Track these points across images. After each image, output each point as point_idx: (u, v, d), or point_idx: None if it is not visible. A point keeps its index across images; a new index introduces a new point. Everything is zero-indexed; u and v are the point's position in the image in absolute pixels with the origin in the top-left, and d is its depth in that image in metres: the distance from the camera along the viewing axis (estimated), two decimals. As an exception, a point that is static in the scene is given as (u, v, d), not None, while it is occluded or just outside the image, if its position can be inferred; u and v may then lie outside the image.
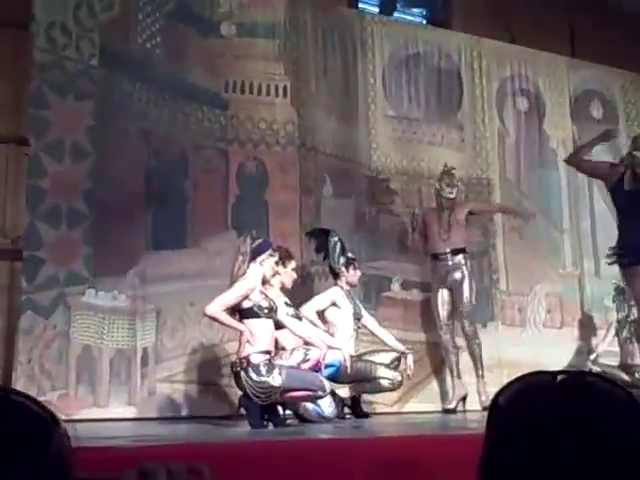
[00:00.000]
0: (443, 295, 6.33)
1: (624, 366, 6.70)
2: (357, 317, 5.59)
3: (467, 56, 7.49)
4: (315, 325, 5.24)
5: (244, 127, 6.31)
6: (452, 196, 6.42)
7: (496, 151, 7.51)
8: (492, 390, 6.24)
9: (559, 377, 0.98)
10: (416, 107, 7.18)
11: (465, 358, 6.42)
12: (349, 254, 5.60)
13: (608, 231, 7.65)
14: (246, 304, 4.46)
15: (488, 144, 7.48)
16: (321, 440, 3.82)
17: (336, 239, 5.55)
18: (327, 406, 4.85)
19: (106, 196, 5.62)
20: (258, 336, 4.40)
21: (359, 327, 5.61)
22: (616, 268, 6.64)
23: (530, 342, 7.12)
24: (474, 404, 6.26)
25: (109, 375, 5.48)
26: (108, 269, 5.55)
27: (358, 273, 5.64)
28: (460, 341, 6.43)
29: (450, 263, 6.30)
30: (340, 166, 6.65)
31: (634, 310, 6.55)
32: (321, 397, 4.57)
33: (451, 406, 6.26)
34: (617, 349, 6.91)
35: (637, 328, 6.45)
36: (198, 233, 5.96)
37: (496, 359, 6.70)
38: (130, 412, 5.48)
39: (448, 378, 6.56)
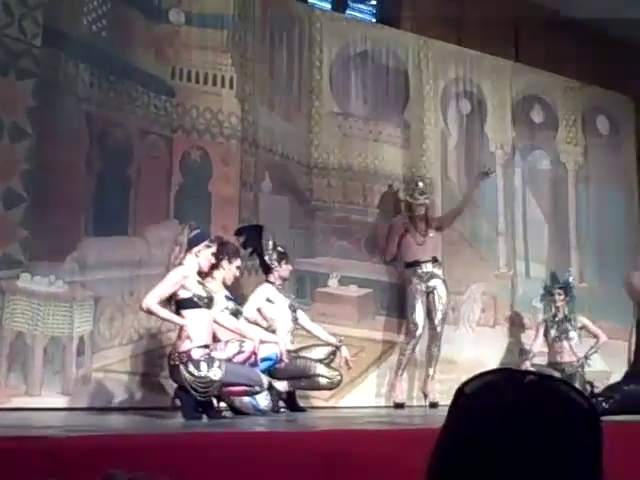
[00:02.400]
0: (422, 301, 6.54)
1: (553, 364, 6.86)
2: (293, 310, 5.60)
3: (415, 56, 7.54)
4: (258, 324, 5.25)
5: (189, 115, 6.24)
6: (427, 201, 6.69)
7: (439, 151, 7.56)
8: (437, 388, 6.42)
9: (528, 378, 0.99)
10: (362, 104, 7.19)
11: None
12: (279, 248, 5.60)
13: (539, 235, 7.93)
14: (184, 294, 4.41)
15: (432, 144, 7.54)
16: (255, 433, 3.80)
17: (269, 235, 5.58)
18: (263, 399, 4.85)
19: (45, 178, 5.49)
20: (198, 329, 4.36)
21: (296, 319, 5.61)
22: (544, 270, 6.93)
23: (464, 340, 7.24)
24: (415, 401, 6.58)
25: (42, 363, 5.36)
26: (45, 253, 5.43)
27: (289, 267, 5.67)
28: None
29: (429, 270, 6.57)
30: (280, 162, 6.62)
31: (559, 310, 6.89)
32: (258, 392, 4.58)
33: (401, 400, 6.48)
34: (545, 349, 7.08)
35: (565, 327, 6.78)
36: (140, 221, 5.88)
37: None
38: (63, 401, 5.37)
39: (387, 374, 6.72)
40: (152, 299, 4.34)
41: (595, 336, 6.96)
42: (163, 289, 4.39)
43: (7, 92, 5.44)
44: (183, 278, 4.39)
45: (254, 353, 4.51)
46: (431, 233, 6.66)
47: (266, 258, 5.55)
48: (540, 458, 0.93)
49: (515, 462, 0.93)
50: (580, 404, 0.98)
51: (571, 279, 7.29)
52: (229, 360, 4.41)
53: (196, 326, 4.37)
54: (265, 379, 4.58)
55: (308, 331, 5.69)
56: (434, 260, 6.66)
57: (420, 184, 6.78)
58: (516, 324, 7.67)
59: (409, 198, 6.73)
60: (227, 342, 4.57)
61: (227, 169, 6.33)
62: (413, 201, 6.67)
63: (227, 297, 5.06)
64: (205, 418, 4.40)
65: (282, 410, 5.35)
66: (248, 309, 5.38)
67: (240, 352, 4.49)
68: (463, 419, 0.98)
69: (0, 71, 5.42)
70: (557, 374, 6.43)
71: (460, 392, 1.01)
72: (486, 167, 7.05)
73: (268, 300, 5.53)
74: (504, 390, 0.97)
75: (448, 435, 0.98)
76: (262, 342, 4.69)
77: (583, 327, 7.04)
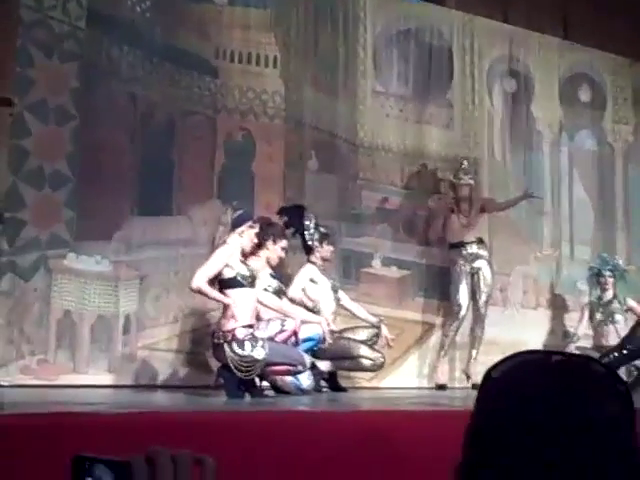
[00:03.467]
0: (466, 282, 6.53)
1: (598, 347, 6.78)
2: (335, 290, 5.60)
3: (459, 34, 7.43)
4: (304, 305, 5.28)
5: (232, 96, 6.25)
6: (471, 182, 6.64)
7: (485, 131, 7.48)
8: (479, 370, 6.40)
9: (555, 357, 0.98)
10: (405, 84, 7.13)
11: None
12: (322, 229, 5.59)
13: (585, 216, 7.80)
14: (228, 273, 4.45)
15: (477, 124, 7.45)
16: (297, 412, 3.82)
17: (311, 215, 5.55)
18: (305, 379, 4.86)
19: (90, 159, 5.56)
20: (242, 308, 4.39)
21: (338, 299, 5.62)
22: (589, 252, 6.83)
23: (507, 322, 7.18)
24: (457, 382, 6.60)
25: (89, 341, 5.44)
26: (91, 233, 5.50)
27: (331, 248, 5.64)
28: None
29: (474, 251, 6.54)
30: (326, 141, 6.61)
31: (607, 293, 6.81)
32: (301, 372, 4.60)
33: (443, 382, 6.47)
34: (590, 332, 7.00)
35: (611, 310, 6.73)
36: (184, 200, 5.92)
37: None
38: (110, 379, 5.45)
39: (428, 355, 6.72)
40: (201, 278, 4.38)
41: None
42: (210, 268, 4.42)
43: (52, 74, 5.50)
44: (228, 257, 4.40)
45: (295, 332, 4.52)
46: (475, 214, 6.61)
47: (307, 238, 5.51)
48: (572, 439, 0.91)
49: (546, 444, 0.91)
50: (611, 381, 0.97)
51: (620, 261, 7.19)
52: (271, 339, 4.43)
53: (240, 305, 4.40)
54: (308, 359, 4.61)
55: (349, 310, 5.69)
56: (479, 241, 6.62)
57: (464, 163, 6.74)
58: (559, 307, 7.59)
59: (453, 178, 6.69)
60: (269, 320, 4.61)
61: (271, 148, 6.34)
62: (457, 181, 6.64)
63: (272, 275, 5.09)
64: (248, 397, 4.43)
65: (324, 390, 5.35)
66: (293, 290, 5.40)
67: (282, 331, 4.51)
68: (491, 403, 0.97)
69: (45, 53, 5.48)
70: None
71: (487, 376, 1.00)
72: (530, 190, 6.96)
73: (311, 280, 5.53)
74: (531, 371, 0.96)
75: (477, 420, 0.97)
76: (305, 322, 4.70)
77: (630, 309, 6.91)
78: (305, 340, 4.68)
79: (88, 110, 5.59)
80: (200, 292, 4.47)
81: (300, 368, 4.56)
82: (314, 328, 4.82)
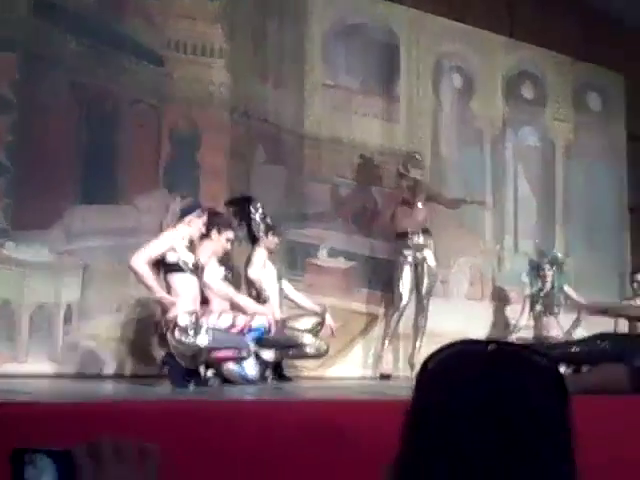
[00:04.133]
0: (410, 272, 6.54)
1: (539, 338, 6.88)
2: (279, 279, 5.63)
3: (407, 30, 7.48)
4: (261, 287, 5.34)
5: (179, 86, 6.19)
6: (419, 177, 6.65)
7: (429, 126, 7.53)
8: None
9: (490, 346, 0.97)
10: (353, 78, 7.15)
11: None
12: (268, 220, 5.59)
13: (528, 211, 7.95)
14: (172, 257, 4.41)
15: (422, 118, 7.51)
16: (242, 402, 3.79)
17: (258, 205, 5.52)
18: (251, 368, 4.85)
19: (31, 148, 5.50)
20: (183, 294, 4.35)
21: (281, 289, 5.65)
22: (532, 246, 6.94)
23: (451, 313, 7.21)
24: (401, 372, 6.66)
25: (29, 330, 5.37)
26: (30, 222, 5.42)
27: (276, 240, 5.65)
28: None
29: (420, 242, 6.55)
30: (273, 133, 6.59)
31: (546, 285, 6.90)
32: (244, 358, 4.59)
33: (387, 372, 6.53)
34: (532, 323, 7.10)
35: (549, 301, 6.83)
36: (129, 189, 5.87)
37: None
38: (51, 368, 5.39)
39: (373, 345, 6.78)
40: (140, 258, 4.33)
41: (578, 307, 6.93)
42: (152, 249, 4.39)
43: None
44: (173, 240, 4.35)
45: (245, 327, 4.52)
46: (420, 204, 6.63)
47: (253, 228, 5.52)
48: (510, 427, 0.90)
49: (483, 434, 0.90)
50: (545, 367, 0.97)
51: (559, 254, 7.31)
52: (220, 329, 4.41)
53: (181, 290, 4.35)
54: (252, 345, 4.57)
55: (292, 301, 5.70)
56: (424, 231, 6.65)
57: (416, 156, 6.79)
58: (502, 298, 7.70)
59: (402, 169, 6.69)
60: (221, 313, 4.57)
61: (216, 139, 6.30)
62: (406, 173, 6.65)
63: (220, 263, 5.07)
64: (193, 386, 4.40)
65: (270, 379, 5.35)
66: (253, 270, 5.40)
67: (232, 326, 4.49)
68: (426, 394, 0.96)
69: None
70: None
71: (424, 366, 0.99)
72: (471, 199, 7.00)
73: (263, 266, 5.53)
74: (466, 361, 0.96)
75: (413, 411, 0.96)
76: (253, 314, 4.69)
77: (568, 298, 7.03)
78: (250, 330, 4.65)
79: (29, 100, 5.51)
80: (135, 273, 4.39)
81: (244, 354, 4.55)
82: (260, 319, 4.80)
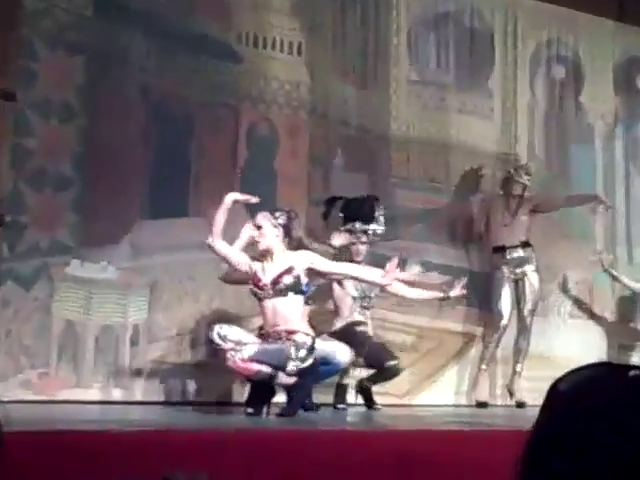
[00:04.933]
0: (509, 289, 6.54)
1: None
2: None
3: (501, 16, 7.36)
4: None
5: (256, 84, 6.21)
6: (528, 183, 6.63)
7: (525, 123, 7.40)
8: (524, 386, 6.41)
9: (632, 372, 0.95)
10: (443, 72, 7.06)
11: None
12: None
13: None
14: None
15: (518, 116, 7.37)
16: (327, 431, 3.79)
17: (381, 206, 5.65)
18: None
19: (98, 159, 5.59)
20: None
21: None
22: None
23: (555, 334, 7.10)
24: (499, 400, 6.61)
25: (94, 353, 5.47)
26: (96, 238, 5.52)
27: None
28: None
29: (519, 255, 6.54)
30: (354, 135, 6.59)
31: None
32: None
33: (484, 399, 6.48)
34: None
35: None
36: (201, 201, 5.88)
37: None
38: (117, 395, 5.48)
39: (468, 369, 6.71)
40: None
41: None
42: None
43: (56, 68, 5.51)
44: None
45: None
46: (523, 215, 6.57)
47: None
48: None
49: (624, 467, 0.89)
50: None
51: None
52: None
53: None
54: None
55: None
56: (525, 244, 6.57)
57: (528, 165, 6.80)
58: (616, 316, 7.48)
59: (514, 173, 6.64)
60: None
61: (294, 143, 6.32)
62: (518, 178, 6.60)
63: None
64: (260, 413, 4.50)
65: (357, 406, 5.46)
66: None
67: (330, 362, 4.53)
68: (557, 420, 0.95)
69: (50, 44, 5.49)
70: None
71: (553, 389, 0.98)
72: (607, 203, 7.04)
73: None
74: (604, 386, 0.95)
75: (540, 438, 0.95)
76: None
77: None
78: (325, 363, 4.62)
79: (95, 106, 5.62)
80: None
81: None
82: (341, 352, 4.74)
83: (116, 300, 5.55)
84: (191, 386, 5.72)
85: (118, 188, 5.61)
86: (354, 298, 5.62)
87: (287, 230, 4.62)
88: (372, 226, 5.50)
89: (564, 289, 7.32)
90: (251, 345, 4.36)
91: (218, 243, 4.47)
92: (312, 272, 4.60)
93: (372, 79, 6.77)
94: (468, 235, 6.89)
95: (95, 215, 5.51)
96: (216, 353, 4.52)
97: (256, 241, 4.56)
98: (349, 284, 5.53)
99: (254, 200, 4.57)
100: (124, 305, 5.56)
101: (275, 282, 4.47)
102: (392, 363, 5.45)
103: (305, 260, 4.53)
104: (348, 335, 5.20)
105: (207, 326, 5.55)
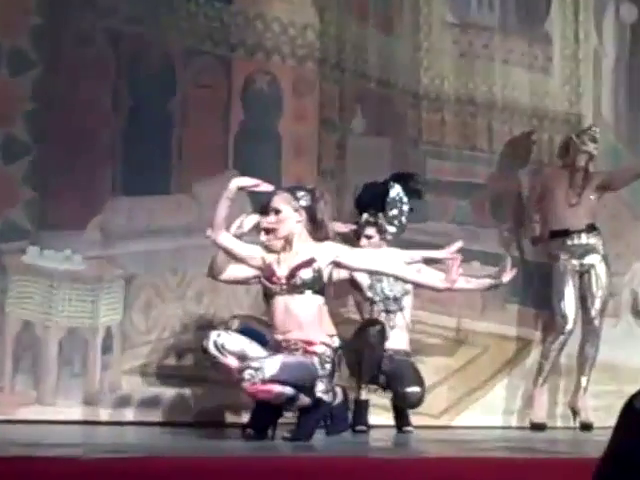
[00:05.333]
0: (573, 284, 6.53)
1: None
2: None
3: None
4: None
5: (253, 28, 6.22)
6: (594, 152, 6.61)
7: (591, 77, 7.41)
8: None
9: None
10: (487, 12, 7.03)
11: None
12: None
13: None
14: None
15: (581, 67, 7.38)
16: (354, 459, 3.80)
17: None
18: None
19: (57, 120, 5.65)
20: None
21: None
22: None
23: (628, 339, 7.09)
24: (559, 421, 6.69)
25: (57, 363, 5.50)
26: (58, 220, 5.58)
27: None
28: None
29: (585, 242, 6.54)
30: (376, 92, 6.62)
31: None
32: None
33: (541, 420, 6.46)
34: None
35: None
36: (187, 174, 5.96)
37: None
38: (85, 413, 5.52)
39: (522, 383, 6.71)
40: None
41: None
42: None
43: (5, 7, 5.54)
44: None
45: None
46: (590, 192, 6.56)
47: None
48: None
49: None
50: None
51: None
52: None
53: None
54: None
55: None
56: (590, 228, 6.55)
57: (594, 129, 6.71)
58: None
59: (576, 140, 6.60)
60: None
61: (300, 103, 6.34)
62: (582, 146, 6.56)
63: None
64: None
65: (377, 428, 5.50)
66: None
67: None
68: (635, 442, 0.99)
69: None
70: None
71: (629, 407, 1.02)
72: None
73: None
74: None
75: (616, 461, 0.99)
76: None
77: None
78: None
79: (55, 55, 5.67)
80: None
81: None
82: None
83: (84, 297, 5.59)
84: (176, 403, 5.75)
85: (84, 158, 5.66)
86: (371, 301, 5.61)
87: (311, 214, 4.54)
88: (380, 221, 5.50)
89: (636, 284, 7.29)
90: (270, 360, 4.31)
91: (222, 236, 4.44)
92: (339, 267, 4.63)
93: (398, 21, 6.78)
94: (518, 216, 6.89)
95: (56, 191, 5.57)
96: (214, 366, 4.49)
97: (271, 229, 4.52)
98: (364, 284, 5.55)
99: (265, 188, 4.49)
100: (93, 303, 5.61)
101: (291, 275, 4.41)
102: (413, 390, 5.38)
103: (330, 252, 4.50)
104: (356, 337, 5.27)
105: (196, 330, 5.74)
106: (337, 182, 6.29)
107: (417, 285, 5.07)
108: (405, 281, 5.11)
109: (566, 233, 6.52)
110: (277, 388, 4.25)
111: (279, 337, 4.45)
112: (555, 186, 6.61)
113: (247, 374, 4.20)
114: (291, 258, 4.47)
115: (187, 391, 5.76)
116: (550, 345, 6.51)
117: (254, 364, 4.23)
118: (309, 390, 4.36)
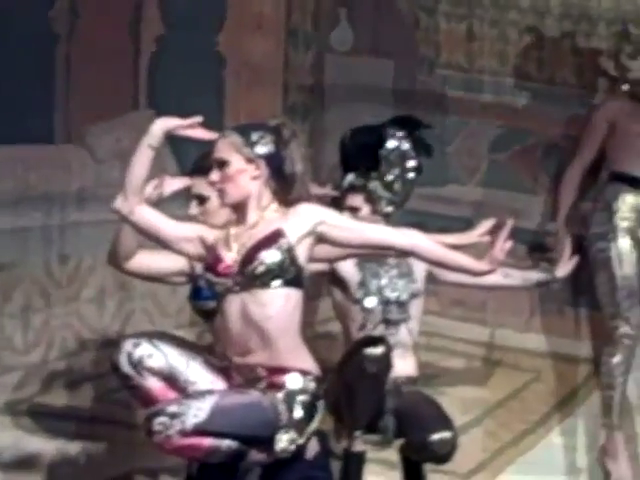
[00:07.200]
0: (629, 249, 6.60)
1: None
2: None
3: None
4: None
5: None
6: None
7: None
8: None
9: None
10: None
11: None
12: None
13: None
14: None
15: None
16: None
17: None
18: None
19: None
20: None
21: None
22: None
23: None
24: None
25: None
26: None
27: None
28: None
29: None
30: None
31: None
32: None
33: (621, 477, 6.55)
34: None
35: None
36: (78, 116, 6.06)
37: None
38: None
39: (589, 426, 6.62)
40: None
41: None
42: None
43: None
44: None
45: None
46: None
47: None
48: None
49: None
50: None
51: None
52: None
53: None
54: None
55: None
56: None
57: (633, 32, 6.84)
58: None
59: (622, 56, 6.70)
60: None
61: (256, 4, 6.37)
62: (626, 62, 6.66)
63: None
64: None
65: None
66: None
67: None
68: None
69: None
70: None
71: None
72: None
73: None
74: None
75: None
76: None
77: None
78: None
79: None
80: None
81: None
82: None
83: None
84: (65, 465, 5.68)
85: None
86: (365, 308, 5.55)
87: (276, 164, 4.38)
88: (371, 185, 5.53)
89: None
90: (197, 402, 4.13)
91: (139, 209, 4.30)
92: (322, 242, 4.43)
93: None
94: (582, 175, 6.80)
95: None
96: (129, 393, 4.48)
97: (216, 190, 4.42)
98: (352, 280, 5.55)
99: (204, 135, 4.36)
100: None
101: (248, 260, 4.28)
102: (442, 437, 5.22)
103: (307, 219, 4.34)
104: (347, 363, 5.26)
105: (98, 348, 5.77)
106: (310, 124, 6.28)
107: (444, 267, 4.93)
108: (428, 261, 4.97)
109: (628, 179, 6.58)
110: (207, 442, 4.13)
111: (232, 358, 4.34)
112: (620, 121, 6.58)
113: (157, 423, 4.04)
114: (247, 234, 4.36)
115: (84, 446, 5.71)
116: (610, 359, 6.49)
117: (171, 408, 4.09)
118: (265, 443, 4.21)
